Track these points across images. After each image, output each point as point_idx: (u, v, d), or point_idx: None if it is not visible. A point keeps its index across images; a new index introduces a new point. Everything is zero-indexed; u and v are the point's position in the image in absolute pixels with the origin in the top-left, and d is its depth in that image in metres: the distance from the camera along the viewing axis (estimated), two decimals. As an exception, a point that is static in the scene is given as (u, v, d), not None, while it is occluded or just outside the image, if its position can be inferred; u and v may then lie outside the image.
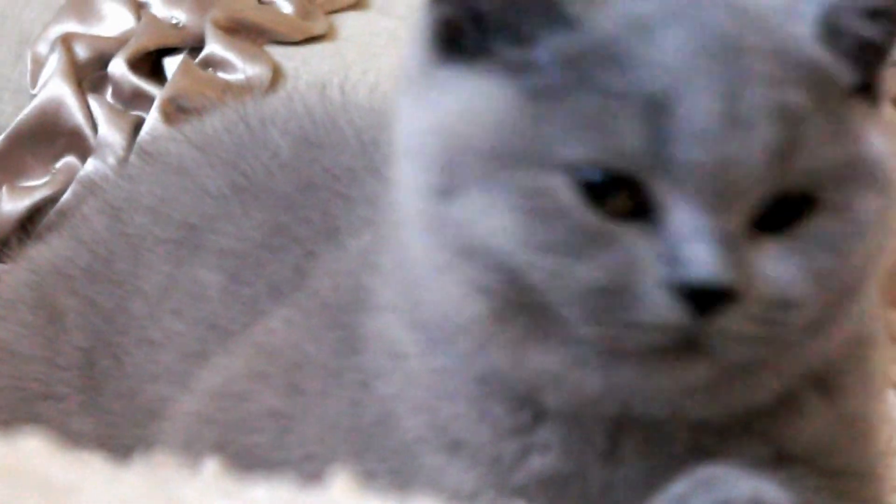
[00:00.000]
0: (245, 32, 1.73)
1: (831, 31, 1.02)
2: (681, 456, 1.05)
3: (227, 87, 1.67)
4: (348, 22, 1.78)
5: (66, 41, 1.71)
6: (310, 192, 1.23)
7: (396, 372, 1.10)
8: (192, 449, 1.13)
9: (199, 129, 1.36)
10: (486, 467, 1.07)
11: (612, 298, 0.98)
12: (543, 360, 1.02)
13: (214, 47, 1.71)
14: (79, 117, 1.69)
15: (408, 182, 1.05)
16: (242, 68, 1.70)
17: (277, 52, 1.74)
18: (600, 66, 0.99)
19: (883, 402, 1.15)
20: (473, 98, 1.02)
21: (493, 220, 1.00)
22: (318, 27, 1.76)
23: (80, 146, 1.69)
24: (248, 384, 1.17)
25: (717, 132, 0.97)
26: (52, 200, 1.69)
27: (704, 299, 0.97)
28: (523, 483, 1.06)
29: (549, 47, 1.00)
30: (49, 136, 1.70)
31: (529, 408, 1.06)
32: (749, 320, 0.98)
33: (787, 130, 0.98)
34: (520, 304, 1.00)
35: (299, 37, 1.75)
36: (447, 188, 1.02)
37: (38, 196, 1.69)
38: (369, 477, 1.04)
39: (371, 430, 1.11)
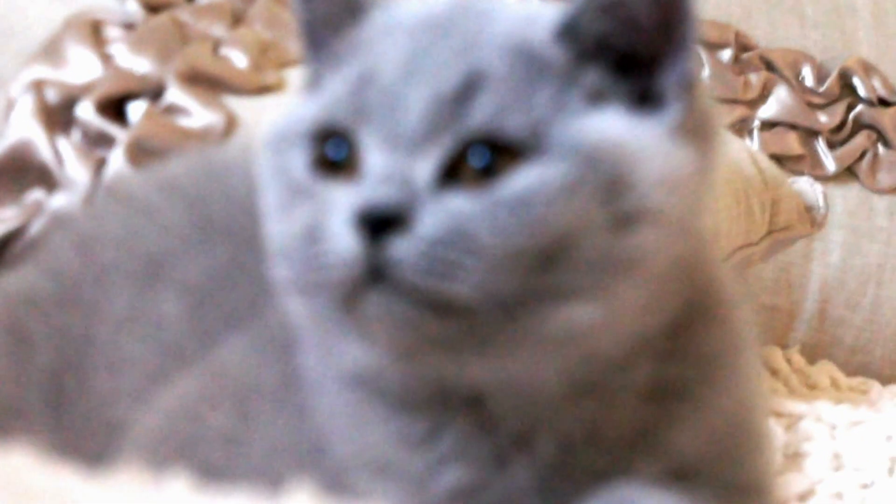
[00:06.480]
0: (203, 83, 1.79)
1: (571, 33, 1.11)
2: (577, 472, 1.12)
3: (186, 132, 1.73)
4: (297, 75, 1.75)
5: (38, 86, 1.77)
6: None
7: (323, 406, 1.18)
8: (152, 462, 1.21)
9: (162, 171, 1.44)
10: (407, 485, 1.14)
11: (308, 246, 1.09)
12: (352, 353, 1.12)
13: (174, 95, 1.77)
14: (47, 155, 1.74)
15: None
16: (199, 115, 1.76)
17: (232, 102, 1.81)
18: (347, 56, 1.13)
19: (766, 420, 1.23)
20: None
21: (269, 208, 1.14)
22: (269, 79, 1.83)
23: (48, 182, 1.74)
24: (200, 405, 1.26)
25: (395, 81, 1.10)
26: (19, 232, 1.73)
27: (375, 226, 1.05)
28: (441, 497, 1.13)
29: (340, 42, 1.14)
30: (19, 173, 1.75)
31: (428, 415, 1.14)
32: (419, 254, 1.05)
33: (462, 86, 1.09)
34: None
35: (252, 88, 1.82)
36: (264, 210, 1.15)
37: (6, 228, 1.73)
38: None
39: (311, 453, 1.18)
